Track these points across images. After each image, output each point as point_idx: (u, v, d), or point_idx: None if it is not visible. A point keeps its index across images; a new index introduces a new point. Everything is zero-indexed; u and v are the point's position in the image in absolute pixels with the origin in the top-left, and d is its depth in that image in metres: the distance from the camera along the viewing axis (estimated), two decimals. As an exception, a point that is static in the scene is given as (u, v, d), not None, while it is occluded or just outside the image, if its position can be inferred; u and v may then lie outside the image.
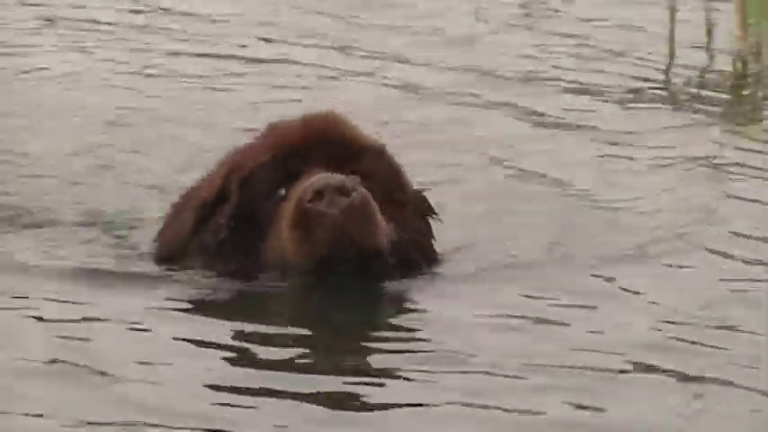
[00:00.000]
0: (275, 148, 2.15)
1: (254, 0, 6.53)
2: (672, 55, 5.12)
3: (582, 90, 4.79)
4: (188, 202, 2.24)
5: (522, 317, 2.15)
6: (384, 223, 2.02)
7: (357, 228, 1.95)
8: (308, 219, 1.96)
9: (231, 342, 1.95)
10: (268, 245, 2.05)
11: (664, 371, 1.94)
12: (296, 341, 1.93)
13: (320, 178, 1.97)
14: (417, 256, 2.10)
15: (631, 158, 3.86)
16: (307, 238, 1.97)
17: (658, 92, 4.71)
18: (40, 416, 1.66)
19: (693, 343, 2.09)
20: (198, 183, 2.26)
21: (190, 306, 2.14)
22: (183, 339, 1.97)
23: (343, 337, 2.06)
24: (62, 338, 1.99)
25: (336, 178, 1.99)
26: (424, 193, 2.23)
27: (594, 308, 2.27)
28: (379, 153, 2.14)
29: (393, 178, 2.10)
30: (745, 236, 2.93)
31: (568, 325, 2.15)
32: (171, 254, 2.19)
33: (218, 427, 1.58)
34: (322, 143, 2.12)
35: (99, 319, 2.10)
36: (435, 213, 2.21)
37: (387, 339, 2.01)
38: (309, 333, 2.01)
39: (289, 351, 1.89)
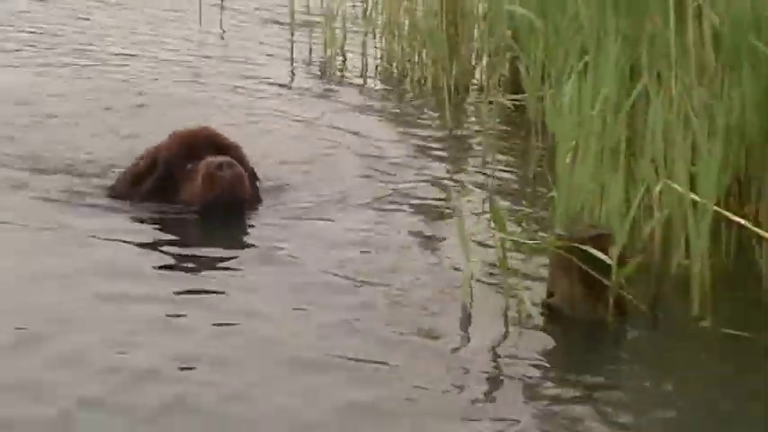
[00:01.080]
0: (182, 142, 3.52)
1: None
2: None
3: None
4: (132, 168, 3.56)
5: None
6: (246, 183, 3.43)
7: (237, 185, 3.34)
8: (213, 179, 3.31)
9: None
10: (180, 195, 3.43)
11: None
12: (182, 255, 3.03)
13: (218, 159, 3.34)
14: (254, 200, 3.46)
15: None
16: (211, 189, 3.32)
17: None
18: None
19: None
20: (139, 158, 3.60)
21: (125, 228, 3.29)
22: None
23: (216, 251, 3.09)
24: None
25: (226, 159, 3.35)
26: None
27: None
28: (235, 147, 3.54)
29: (242, 160, 3.42)
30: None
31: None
32: (119, 195, 3.54)
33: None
34: (208, 141, 3.51)
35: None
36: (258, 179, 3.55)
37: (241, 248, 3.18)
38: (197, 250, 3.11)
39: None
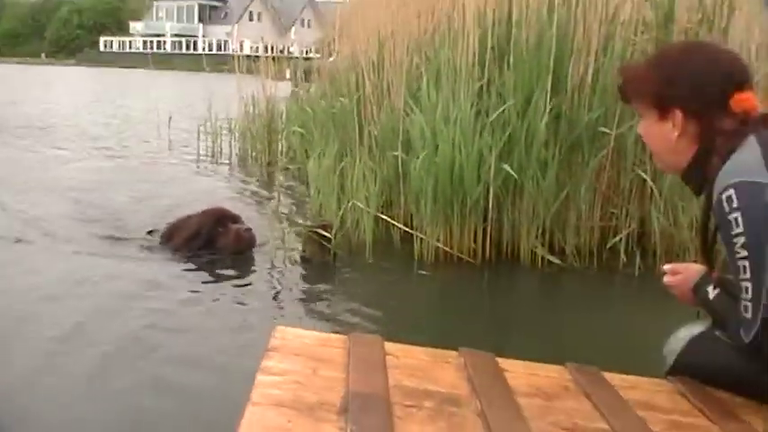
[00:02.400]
0: (213, 215, 4.99)
1: None
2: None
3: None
4: (185, 233, 4.95)
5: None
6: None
7: (252, 240, 4.90)
8: (241, 235, 4.86)
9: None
10: (218, 245, 4.85)
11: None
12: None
13: (243, 226, 4.95)
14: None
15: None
16: (239, 242, 4.84)
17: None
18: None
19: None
20: (183, 220, 5.05)
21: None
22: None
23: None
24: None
25: (246, 226, 4.97)
26: None
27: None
28: (239, 216, 5.10)
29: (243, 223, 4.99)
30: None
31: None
32: (177, 247, 4.92)
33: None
34: (225, 214, 5.04)
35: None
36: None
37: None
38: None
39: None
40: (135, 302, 3.91)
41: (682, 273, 2.24)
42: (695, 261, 4.88)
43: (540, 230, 5.05)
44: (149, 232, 5.21)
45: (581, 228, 5.13)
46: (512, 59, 5.08)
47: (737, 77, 2.02)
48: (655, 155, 2.25)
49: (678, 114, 2.05)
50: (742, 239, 1.85)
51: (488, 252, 5.03)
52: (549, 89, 4.89)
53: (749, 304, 1.87)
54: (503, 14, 5.30)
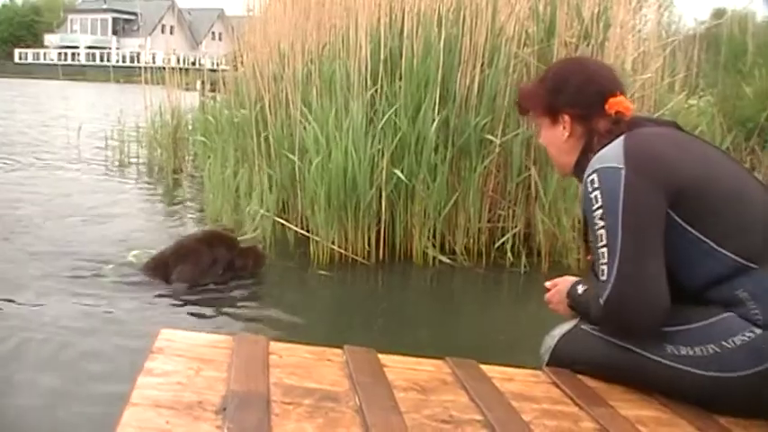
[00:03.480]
0: (220, 239, 4.79)
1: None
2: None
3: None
4: (201, 265, 4.64)
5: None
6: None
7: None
8: (260, 254, 4.84)
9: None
10: (236, 268, 4.69)
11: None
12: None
13: (250, 245, 4.90)
14: None
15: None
16: (259, 261, 4.82)
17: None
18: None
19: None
20: (178, 250, 4.70)
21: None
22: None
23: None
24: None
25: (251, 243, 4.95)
26: None
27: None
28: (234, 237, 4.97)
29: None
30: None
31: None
32: (192, 280, 4.56)
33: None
34: (227, 236, 4.89)
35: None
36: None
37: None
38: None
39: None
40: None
41: (558, 285, 2.49)
42: (578, 259, 5.24)
43: (431, 232, 5.30)
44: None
45: (470, 229, 5.40)
46: (403, 70, 5.32)
47: (611, 85, 2.39)
48: (553, 160, 2.59)
49: (566, 118, 2.41)
50: (600, 212, 2.13)
51: (382, 253, 5.25)
52: (437, 98, 5.15)
53: (605, 267, 2.11)
54: (395, 29, 5.54)
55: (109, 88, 24.79)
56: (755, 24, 10.45)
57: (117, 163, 9.95)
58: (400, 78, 5.33)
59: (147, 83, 9.56)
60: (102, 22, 75.36)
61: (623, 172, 2.13)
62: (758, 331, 2.02)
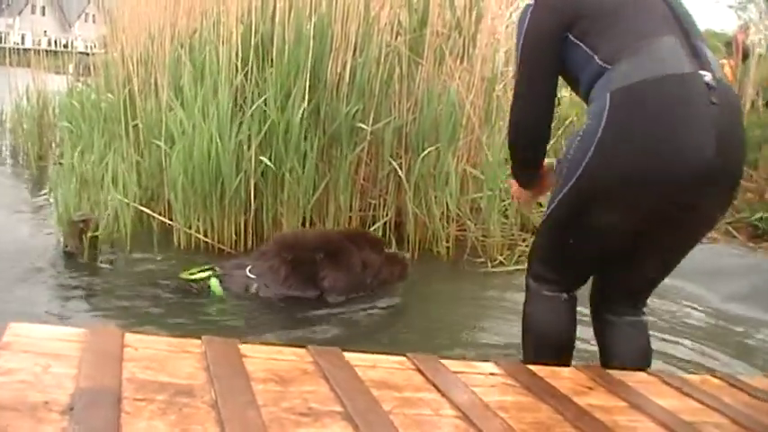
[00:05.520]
0: (366, 239, 4.43)
1: None
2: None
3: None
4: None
5: None
6: None
7: None
8: (405, 263, 4.53)
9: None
10: (381, 278, 4.31)
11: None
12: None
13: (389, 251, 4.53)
14: None
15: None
16: (405, 270, 4.51)
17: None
18: None
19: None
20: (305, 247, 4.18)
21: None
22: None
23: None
24: None
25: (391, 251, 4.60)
26: None
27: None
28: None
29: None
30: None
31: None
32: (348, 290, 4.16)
33: None
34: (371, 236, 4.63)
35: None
36: None
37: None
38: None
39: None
40: None
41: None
42: (447, 247, 5.29)
43: (301, 220, 5.24)
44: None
45: (341, 217, 5.38)
46: (273, 57, 5.24)
47: None
48: None
49: None
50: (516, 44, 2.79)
51: (250, 242, 5.16)
52: (307, 85, 5.09)
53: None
54: (267, 14, 5.44)
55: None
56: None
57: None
58: (272, 65, 5.24)
59: (12, 65, 9.11)
60: (-33, -1, 71.70)
61: (531, 8, 2.70)
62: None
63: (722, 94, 2.47)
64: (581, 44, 2.61)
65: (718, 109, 2.43)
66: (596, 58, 2.57)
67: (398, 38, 5.66)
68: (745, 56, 8.10)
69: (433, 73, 5.63)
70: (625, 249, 2.66)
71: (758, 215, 6.43)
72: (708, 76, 2.45)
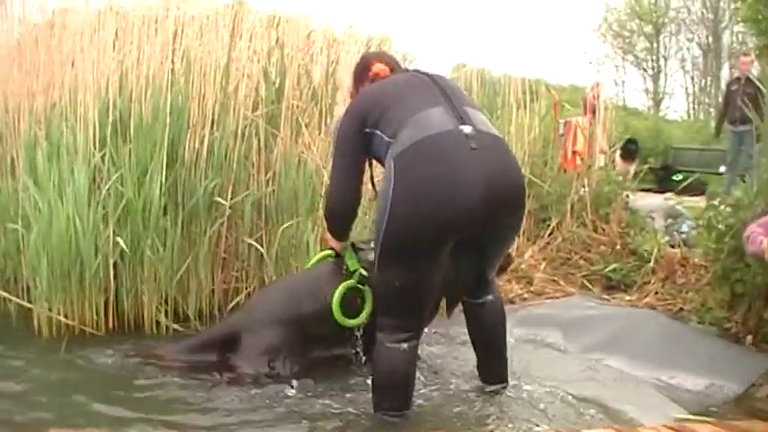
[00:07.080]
0: None
1: None
2: None
3: None
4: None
5: None
6: None
7: None
8: None
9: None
10: None
11: None
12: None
13: None
14: None
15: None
16: None
17: None
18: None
19: None
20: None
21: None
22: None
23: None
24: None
25: None
26: None
27: None
28: None
29: None
30: None
31: None
32: None
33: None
34: None
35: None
36: None
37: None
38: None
39: None
40: None
41: None
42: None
43: (163, 298, 5.25)
44: None
45: (203, 292, 5.42)
46: (131, 133, 5.29)
47: (375, 59, 3.96)
48: None
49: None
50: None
51: (112, 323, 5.13)
52: (164, 161, 5.15)
53: None
54: (125, 92, 5.49)
55: None
56: (491, 77, 11.25)
57: None
58: (129, 142, 5.28)
59: None
60: None
61: (343, 116, 3.61)
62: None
63: (480, 139, 3.21)
64: (376, 131, 3.40)
65: (479, 152, 3.16)
66: (385, 137, 3.34)
67: (257, 111, 5.79)
68: (594, 113, 8.57)
69: (291, 144, 5.77)
70: (447, 268, 3.34)
71: (611, 266, 6.74)
72: (467, 129, 3.21)
